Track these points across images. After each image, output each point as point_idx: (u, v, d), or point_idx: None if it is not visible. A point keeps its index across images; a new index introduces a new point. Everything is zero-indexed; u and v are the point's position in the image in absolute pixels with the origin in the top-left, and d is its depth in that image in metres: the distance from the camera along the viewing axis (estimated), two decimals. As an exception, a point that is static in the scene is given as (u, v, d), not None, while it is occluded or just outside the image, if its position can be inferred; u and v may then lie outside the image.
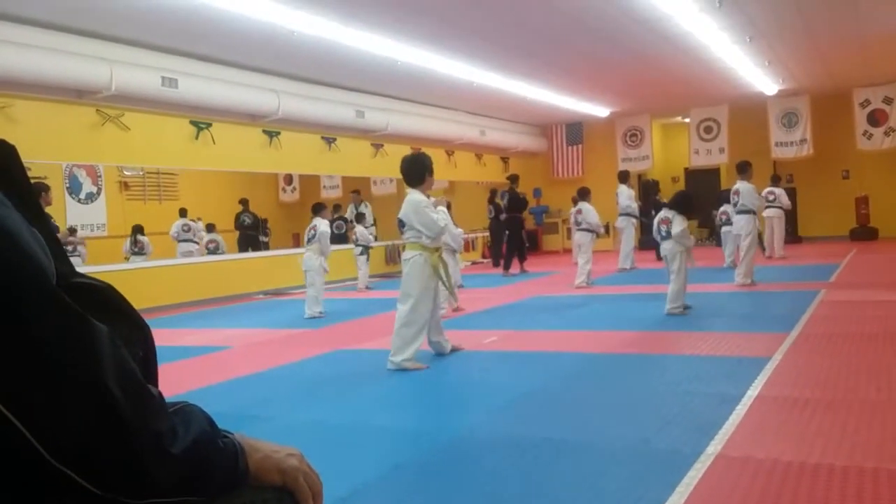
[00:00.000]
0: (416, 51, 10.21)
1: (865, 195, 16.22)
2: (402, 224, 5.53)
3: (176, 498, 0.86)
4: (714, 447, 3.08)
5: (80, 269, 0.95)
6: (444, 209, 5.79)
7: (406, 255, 5.47)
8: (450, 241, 8.60)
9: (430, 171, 5.58)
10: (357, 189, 15.82)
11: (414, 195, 5.45)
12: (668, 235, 7.05)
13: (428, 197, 5.65)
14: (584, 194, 11.10)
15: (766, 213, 12.52)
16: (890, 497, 2.48)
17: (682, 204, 7.21)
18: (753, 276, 8.97)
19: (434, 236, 5.41)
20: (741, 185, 9.29)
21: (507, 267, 13.12)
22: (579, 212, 10.90)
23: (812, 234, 16.69)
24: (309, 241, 8.78)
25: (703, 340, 5.64)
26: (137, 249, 12.70)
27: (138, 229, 12.86)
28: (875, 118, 15.79)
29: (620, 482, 2.80)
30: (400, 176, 5.67)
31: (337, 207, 14.89)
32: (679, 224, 7.03)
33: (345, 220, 14.75)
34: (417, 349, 5.29)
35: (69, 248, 11.99)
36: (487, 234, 15.73)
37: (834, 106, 16.15)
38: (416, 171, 5.52)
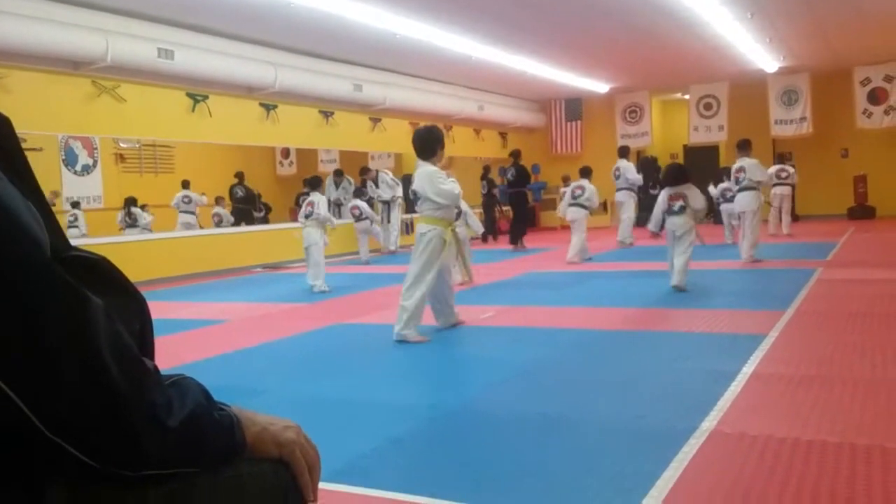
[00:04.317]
0: (415, 23, 10.11)
1: (864, 174, 16.20)
2: (415, 196, 5.58)
3: (171, 470, 0.86)
4: (708, 423, 3.10)
5: (78, 241, 0.94)
6: (454, 180, 5.83)
7: (422, 228, 5.47)
8: (472, 224, 8.88)
9: (442, 145, 5.62)
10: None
11: (426, 166, 5.49)
12: (681, 211, 7.03)
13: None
14: (586, 173, 11.08)
15: (776, 189, 12.50)
16: (882, 474, 2.51)
17: (683, 175, 7.21)
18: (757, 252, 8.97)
19: (451, 204, 5.51)
20: (745, 162, 9.16)
21: (514, 241, 13.14)
22: (580, 188, 10.86)
23: (810, 213, 16.67)
24: (307, 216, 8.69)
25: (699, 317, 5.66)
26: (131, 222, 12.66)
27: (131, 202, 12.79)
28: (875, 96, 15.74)
29: (615, 457, 2.82)
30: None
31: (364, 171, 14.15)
32: (698, 197, 7.03)
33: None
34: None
35: (71, 219, 12.00)
36: (481, 210, 15.69)
37: (834, 84, 16.06)
38: (430, 144, 5.55)
